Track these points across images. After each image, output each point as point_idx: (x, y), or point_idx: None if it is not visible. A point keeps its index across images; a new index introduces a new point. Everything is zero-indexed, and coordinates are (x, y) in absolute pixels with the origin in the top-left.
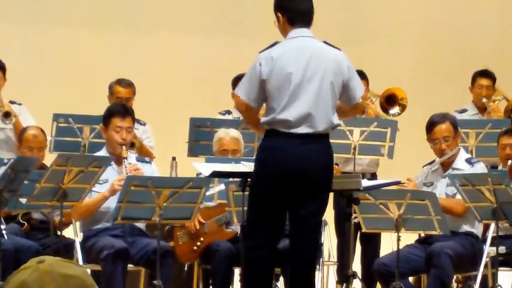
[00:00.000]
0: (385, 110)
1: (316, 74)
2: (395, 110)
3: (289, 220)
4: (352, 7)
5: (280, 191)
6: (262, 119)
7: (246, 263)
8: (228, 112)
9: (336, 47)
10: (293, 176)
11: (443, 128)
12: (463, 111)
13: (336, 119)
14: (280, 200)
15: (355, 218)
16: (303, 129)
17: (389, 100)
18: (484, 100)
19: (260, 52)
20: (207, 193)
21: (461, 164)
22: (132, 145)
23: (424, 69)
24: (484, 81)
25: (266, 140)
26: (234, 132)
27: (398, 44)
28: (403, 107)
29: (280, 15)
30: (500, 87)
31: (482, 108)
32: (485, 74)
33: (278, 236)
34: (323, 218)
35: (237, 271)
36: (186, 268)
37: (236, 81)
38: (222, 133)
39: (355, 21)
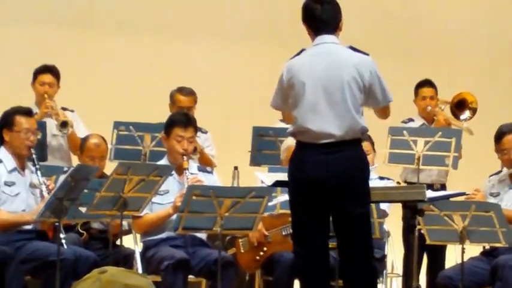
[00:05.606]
0: (456, 116)
1: (333, 81)
2: (466, 114)
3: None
4: (410, 17)
5: (311, 198)
6: (288, 131)
7: (299, 273)
8: None
9: (363, 52)
10: (315, 183)
11: None
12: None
13: (362, 123)
14: (313, 207)
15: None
16: (325, 139)
17: (460, 105)
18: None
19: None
20: (270, 203)
21: None
22: (194, 149)
23: (486, 79)
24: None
25: (294, 151)
26: None
27: (460, 53)
28: (473, 111)
29: (305, 25)
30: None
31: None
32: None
33: (323, 238)
34: (386, 229)
35: (297, 282)
36: (247, 277)
37: None
38: (291, 141)
39: (414, 32)
